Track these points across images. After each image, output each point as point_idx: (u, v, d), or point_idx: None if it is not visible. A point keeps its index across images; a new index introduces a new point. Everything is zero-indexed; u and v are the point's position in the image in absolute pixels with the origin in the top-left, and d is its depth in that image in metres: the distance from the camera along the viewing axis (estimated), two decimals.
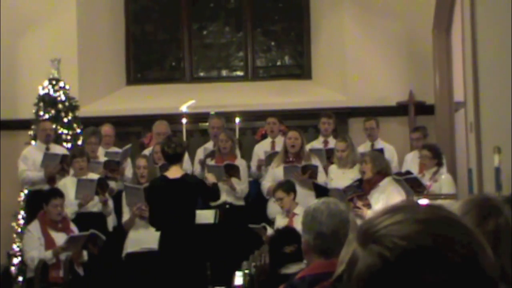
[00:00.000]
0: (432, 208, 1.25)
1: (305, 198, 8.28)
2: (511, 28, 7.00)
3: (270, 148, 10.03)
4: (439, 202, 7.59)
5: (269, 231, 8.07)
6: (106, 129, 10.03)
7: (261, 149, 10.00)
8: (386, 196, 7.92)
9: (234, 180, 9.21)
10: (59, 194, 8.31)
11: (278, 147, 9.80)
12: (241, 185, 9.33)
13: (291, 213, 8.21)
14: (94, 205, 8.80)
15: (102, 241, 8.18)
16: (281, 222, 8.25)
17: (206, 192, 7.65)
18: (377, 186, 8.14)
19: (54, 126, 9.72)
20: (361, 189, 8.32)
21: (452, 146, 10.58)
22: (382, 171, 8.21)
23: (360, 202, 8.11)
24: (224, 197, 9.13)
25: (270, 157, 9.63)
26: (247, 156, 10.11)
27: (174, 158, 7.33)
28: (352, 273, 1.22)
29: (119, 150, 9.92)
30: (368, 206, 8.02)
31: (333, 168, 9.20)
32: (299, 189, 8.58)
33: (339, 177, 8.92)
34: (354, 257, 1.23)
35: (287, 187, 8.40)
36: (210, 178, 8.06)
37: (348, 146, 9.12)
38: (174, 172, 7.32)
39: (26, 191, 9.70)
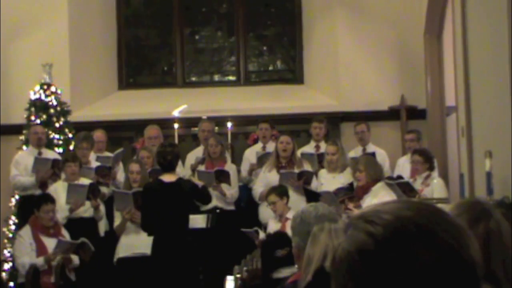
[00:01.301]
0: (420, 201, 1.26)
1: (297, 203, 8.27)
2: (503, 32, 7.02)
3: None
4: None
5: (261, 235, 8.07)
6: (99, 134, 10.01)
7: (252, 153, 9.99)
8: (378, 201, 7.92)
9: (224, 185, 9.21)
10: (50, 199, 8.28)
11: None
12: (231, 190, 9.32)
13: (283, 218, 8.21)
14: (86, 211, 8.77)
15: (91, 250, 8.18)
16: (273, 226, 8.24)
17: (200, 195, 7.72)
18: (370, 190, 8.15)
19: (45, 130, 9.70)
20: (352, 191, 8.34)
21: (444, 150, 10.61)
22: (376, 177, 8.23)
23: (351, 203, 8.11)
24: (215, 202, 9.13)
25: (261, 159, 9.63)
26: (239, 160, 10.11)
27: (168, 167, 7.48)
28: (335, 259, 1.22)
29: (111, 155, 9.90)
30: (359, 207, 8.03)
31: (323, 172, 9.20)
32: (291, 194, 8.58)
33: (329, 182, 8.92)
34: (337, 246, 1.23)
35: (280, 191, 8.40)
36: (198, 181, 8.13)
37: (338, 150, 9.12)
38: (169, 176, 7.39)
39: (17, 196, 9.67)
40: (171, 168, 7.53)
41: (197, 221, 8.26)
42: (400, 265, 1.16)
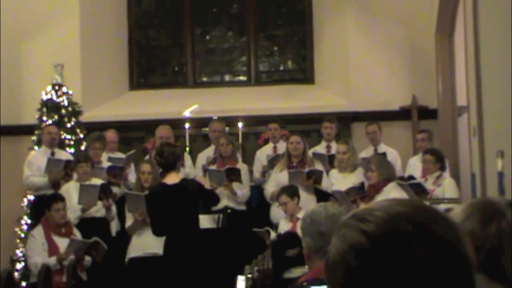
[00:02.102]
0: (413, 199, 1.27)
1: (308, 203, 8.28)
2: None
3: (272, 153, 10.02)
4: (442, 206, 7.58)
5: (273, 235, 8.07)
6: (110, 135, 10.04)
7: (263, 154, 10.00)
8: None
9: (235, 184, 9.21)
10: (60, 198, 8.32)
11: (280, 152, 9.79)
12: (243, 190, 9.33)
13: (294, 218, 8.21)
14: (98, 211, 8.80)
15: (104, 250, 8.20)
16: (284, 226, 8.25)
17: (206, 196, 7.67)
18: (381, 191, 8.14)
19: (59, 130, 9.74)
20: (364, 191, 8.33)
21: (455, 150, 10.59)
22: (388, 177, 8.23)
23: (362, 203, 8.11)
24: (225, 202, 9.14)
25: (272, 161, 9.64)
26: (250, 160, 10.11)
27: (167, 167, 7.37)
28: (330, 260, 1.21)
29: (123, 155, 9.92)
30: None
31: (333, 172, 9.20)
32: (302, 194, 8.58)
33: (340, 182, 8.92)
34: (330, 245, 1.22)
35: (291, 191, 8.40)
36: (204, 181, 8.08)
37: (349, 149, 9.12)
38: (172, 178, 7.33)
39: (30, 197, 9.71)
40: (170, 167, 7.42)
41: (208, 221, 8.29)
42: (396, 261, 1.16)
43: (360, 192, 8.33)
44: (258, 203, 9.57)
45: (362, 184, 8.53)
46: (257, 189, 9.66)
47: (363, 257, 1.17)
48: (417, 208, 1.22)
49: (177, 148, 7.92)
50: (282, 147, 9.84)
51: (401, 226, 1.18)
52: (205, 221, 8.27)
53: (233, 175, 9.15)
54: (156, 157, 7.46)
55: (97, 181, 8.88)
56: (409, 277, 1.15)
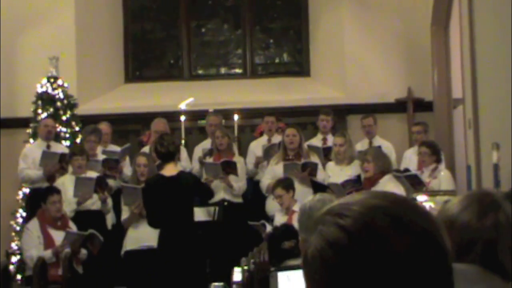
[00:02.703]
0: (387, 192, 1.26)
1: (304, 195, 8.27)
2: (510, 24, 7.00)
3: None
4: (438, 198, 7.60)
5: (268, 228, 8.07)
6: (103, 127, 10.02)
7: (257, 146, 9.99)
8: None
9: (231, 177, 9.21)
10: (55, 190, 8.31)
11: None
12: (239, 182, 9.33)
13: (290, 211, 8.21)
14: (93, 203, 8.79)
15: (100, 242, 8.19)
16: (280, 219, 8.25)
17: (201, 190, 7.66)
18: (377, 183, 8.15)
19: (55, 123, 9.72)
20: (360, 183, 8.33)
21: (451, 142, 10.60)
22: (384, 169, 8.23)
23: None
24: (222, 195, 9.14)
25: (267, 151, 9.63)
26: (246, 153, 10.11)
27: (167, 157, 7.33)
28: (307, 258, 1.21)
29: (118, 148, 9.91)
30: None
31: (330, 165, 9.20)
32: (297, 186, 8.58)
33: (337, 174, 8.92)
34: (306, 244, 1.21)
35: (286, 184, 8.40)
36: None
37: (346, 141, 9.12)
38: (170, 170, 7.31)
39: (25, 189, 9.70)
40: (170, 157, 7.37)
41: (204, 213, 8.28)
42: (374, 254, 1.15)
43: (356, 185, 8.33)
44: (254, 196, 9.57)
45: (358, 176, 8.53)
46: (250, 181, 9.66)
47: (341, 253, 1.16)
48: (393, 200, 1.21)
49: (175, 138, 7.91)
50: (276, 140, 9.83)
51: (378, 219, 1.17)
52: (201, 214, 8.26)
53: (229, 168, 9.15)
54: (156, 146, 7.41)
55: (92, 174, 8.87)
56: (388, 269, 1.15)
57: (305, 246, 1.22)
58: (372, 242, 1.16)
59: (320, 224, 1.19)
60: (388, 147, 9.80)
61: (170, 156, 7.33)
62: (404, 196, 1.25)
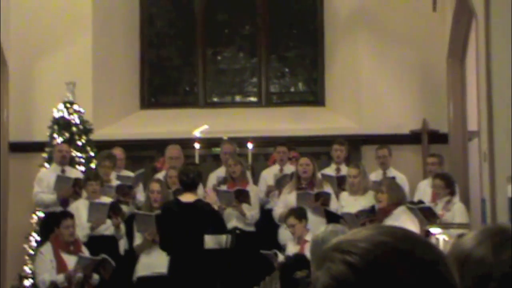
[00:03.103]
0: (393, 226, 1.26)
1: (316, 225, 8.25)
2: None
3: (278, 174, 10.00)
4: (452, 231, 7.55)
5: (280, 257, 8.05)
6: (117, 152, 10.06)
7: (269, 175, 9.98)
8: (399, 224, 7.87)
9: (244, 205, 9.20)
10: (69, 215, 8.36)
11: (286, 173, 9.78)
12: (252, 211, 9.31)
13: (302, 240, 8.19)
14: (106, 229, 8.81)
15: (112, 267, 8.19)
16: (292, 248, 8.23)
17: (215, 220, 7.66)
18: (391, 214, 8.12)
19: (70, 148, 9.76)
20: (374, 213, 8.31)
21: (466, 175, 10.55)
22: (398, 201, 8.21)
23: None
24: (234, 223, 9.13)
25: (279, 181, 9.61)
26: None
27: (190, 186, 7.43)
28: None
29: (131, 174, 9.94)
30: None
31: (344, 195, 9.19)
32: (310, 216, 8.56)
33: (351, 204, 8.90)
34: (314, 280, 1.21)
35: (299, 213, 8.39)
36: (211, 199, 8.11)
37: (360, 173, 9.11)
38: (188, 197, 7.36)
39: (39, 213, 9.73)
40: (193, 187, 7.46)
41: (217, 241, 8.27)
42: None
43: (370, 215, 8.31)
44: (264, 224, 9.53)
45: (372, 207, 8.51)
46: (261, 210, 9.63)
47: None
48: (399, 236, 1.22)
49: (199, 168, 7.97)
50: (288, 169, 9.83)
51: (385, 256, 1.18)
52: (213, 242, 8.24)
53: (242, 196, 9.14)
54: (181, 176, 7.50)
55: (106, 200, 8.89)
56: None
57: (314, 281, 1.22)
58: (379, 279, 1.16)
59: (328, 261, 1.19)
60: (402, 179, 9.77)
61: (193, 185, 7.43)
62: (411, 231, 1.26)
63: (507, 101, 7.55)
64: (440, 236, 7.34)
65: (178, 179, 7.93)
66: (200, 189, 9.66)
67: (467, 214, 8.85)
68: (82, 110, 10.36)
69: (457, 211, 8.57)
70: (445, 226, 7.97)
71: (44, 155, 10.14)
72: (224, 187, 9.46)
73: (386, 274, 1.16)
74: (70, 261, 8.14)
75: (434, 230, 7.56)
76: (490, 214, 7.72)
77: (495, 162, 7.79)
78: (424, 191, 9.44)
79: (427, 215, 8.24)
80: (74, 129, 10.20)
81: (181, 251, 7.28)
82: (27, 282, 9.64)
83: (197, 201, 7.46)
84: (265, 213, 9.54)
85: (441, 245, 7.08)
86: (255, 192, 9.52)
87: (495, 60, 7.81)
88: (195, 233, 7.27)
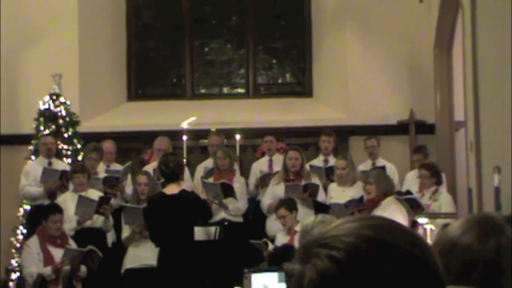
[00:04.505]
0: (377, 217, 1.26)
1: (305, 216, 8.25)
2: None
3: (267, 167, 10.00)
4: (438, 221, 7.58)
5: (270, 246, 8.06)
6: (108, 145, 10.01)
7: (259, 167, 9.99)
8: (388, 215, 7.90)
9: (230, 199, 9.19)
10: (58, 209, 8.31)
11: (276, 166, 9.79)
12: (238, 203, 9.29)
13: (292, 231, 8.20)
14: (94, 221, 8.78)
15: (100, 258, 8.18)
16: (282, 239, 8.24)
17: (200, 208, 7.67)
18: (380, 204, 8.14)
19: (56, 141, 9.71)
20: (363, 204, 8.33)
21: (452, 165, 10.58)
22: (386, 192, 8.23)
23: None
24: (223, 214, 9.14)
25: (264, 178, 9.61)
26: (247, 173, 10.10)
27: (172, 177, 7.38)
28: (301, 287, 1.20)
29: (120, 168, 9.89)
30: None
31: (333, 186, 9.20)
32: (299, 207, 8.57)
33: (339, 195, 8.92)
34: (299, 275, 1.21)
35: (290, 205, 8.38)
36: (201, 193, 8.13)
37: (348, 164, 9.12)
38: (172, 189, 7.34)
39: (26, 206, 9.69)
40: (174, 177, 7.41)
41: (205, 233, 8.28)
42: (369, 285, 1.16)
43: (359, 205, 8.33)
44: (255, 215, 9.55)
45: (361, 197, 8.53)
46: (253, 201, 9.65)
47: (335, 285, 1.17)
48: (385, 229, 1.22)
49: (180, 157, 7.94)
50: (278, 160, 9.83)
51: (371, 250, 1.18)
52: (202, 233, 8.26)
53: (227, 190, 9.13)
54: (161, 166, 7.45)
55: (93, 192, 8.86)
56: None
57: (297, 275, 1.22)
58: (366, 274, 1.17)
59: (314, 257, 1.19)
60: (391, 169, 9.79)
61: (175, 176, 7.37)
62: (396, 223, 1.26)
63: (493, 90, 7.58)
64: (427, 226, 7.37)
65: (158, 170, 7.89)
66: (189, 181, 9.67)
67: (454, 204, 8.89)
68: (68, 102, 10.32)
69: (444, 201, 8.60)
70: (432, 216, 7.99)
71: (31, 147, 10.10)
72: (211, 179, 9.46)
73: (372, 268, 1.17)
74: (57, 254, 8.12)
75: (421, 220, 7.58)
76: (477, 204, 7.75)
77: (481, 152, 7.82)
78: (412, 181, 9.47)
79: (413, 206, 8.27)
80: (60, 121, 10.16)
81: (170, 243, 7.27)
82: (14, 275, 9.61)
83: (182, 191, 7.44)
84: (257, 203, 9.55)
85: (428, 235, 7.11)
86: (242, 183, 9.52)
87: (481, 50, 7.82)
88: (183, 224, 7.27)
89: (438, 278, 1.21)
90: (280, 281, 4.50)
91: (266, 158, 10.16)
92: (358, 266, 1.17)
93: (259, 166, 10.03)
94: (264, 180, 9.58)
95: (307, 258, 1.21)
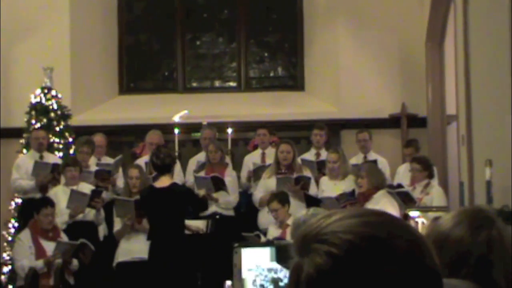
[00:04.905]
0: (376, 212, 1.27)
1: (297, 209, 8.26)
2: (504, 41, 7.03)
3: (260, 160, 10.00)
4: (430, 214, 7.60)
5: (263, 239, 8.06)
6: (98, 138, 9.99)
7: (251, 160, 9.99)
8: (379, 208, 7.91)
9: (221, 192, 9.19)
10: (50, 203, 8.29)
11: (268, 159, 9.79)
12: (230, 197, 9.28)
13: (284, 224, 8.20)
14: (86, 214, 8.77)
15: (92, 251, 8.17)
16: (274, 232, 8.24)
17: (194, 201, 7.67)
18: (371, 198, 8.15)
19: (47, 134, 9.69)
20: (355, 197, 8.34)
21: (444, 159, 10.61)
22: (378, 185, 8.24)
23: None
24: (214, 208, 9.13)
25: (257, 170, 9.61)
26: (239, 166, 10.10)
27: (163, 169, 7.38)
28: (298, 282, 1.21)
29: (111, 161, 9.88)
30: None
31: (324, 179, 9.20)
32: (291, 200, 8.57)
33: (331, 189, 8.92)
34: (297, 268, 1.22)
35: (282, 198, 8.38)
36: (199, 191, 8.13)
37: (340, 158, 9.12)
38: (163, 182, 7.34)
39: (18, 200, 9.67)
40: (165, 170, 7.41)
41: (197, 226, 8.29)
42: (366, 282, 1.17)
43: (351, 199, 8.34)
44: (248, 208, 9.55)
45: (353, 190, 8.54)
46: (245, 195, 9.65)
47: (333, 281, 1.18)
48: (382, 223, 1.23)
49: (172, 151, 7.95)
50: (270, 153, 9.82)
51: (369, 247, 1.19)
52: (194, 226, 8.26)
53: (219, 183, 9.13)
54: (152, 158, 7.46)
55: (85, 185, 8.85)
56: None
57: (295, 267, 1.23)
58: (363, 270, 1.17)
59: (313, 252, 1.20)
60: (382, 162, 9.80)
61: (166, 168, 7.37)
62: (394, 218, 1.26)
63: (484, 84, 7.60)
64: (418, 220, 7.38)
65: (150, 162, 7.90)
66: (180, 175, 9.66)
67: (446, 198, 8.91)
68: (60, 95, 10.29)
69: (435, 195, 8.62)
70: (424, 209, 8.01)
71: (22, 141, 10.08)
72: (202, 173, 9.45)
73: (369, 266, 1.18)
74: (49, 247, 8.11)
75: (412, 213, 7.60)
76: (468, 197, 7.78)
77: (473, 145, 7.84)
78: (403, 175, 9.48)
79: (405, 200, 8.28)
80: (52, 114, 10.13)
81: (161, 236, 7.28)
82: (6, 269, 9.60)
83: (172, 184, 7.44)
84: (249, 197, 9.55)
85: (419, 229, 7.13)
86: (234, 177, 9.52)
87: (473, 44, 7.84)
88: (174, 217, 7.27)
89: (437, 277, 1.22)
90: (271, 259, 4.49)
91: (258, 151, 10.15)
92: (356, 265, 1.17)
93: (252, 159, 10.03)
94: (257, 173, 9.58)
95: (305, 251, 1.21)
